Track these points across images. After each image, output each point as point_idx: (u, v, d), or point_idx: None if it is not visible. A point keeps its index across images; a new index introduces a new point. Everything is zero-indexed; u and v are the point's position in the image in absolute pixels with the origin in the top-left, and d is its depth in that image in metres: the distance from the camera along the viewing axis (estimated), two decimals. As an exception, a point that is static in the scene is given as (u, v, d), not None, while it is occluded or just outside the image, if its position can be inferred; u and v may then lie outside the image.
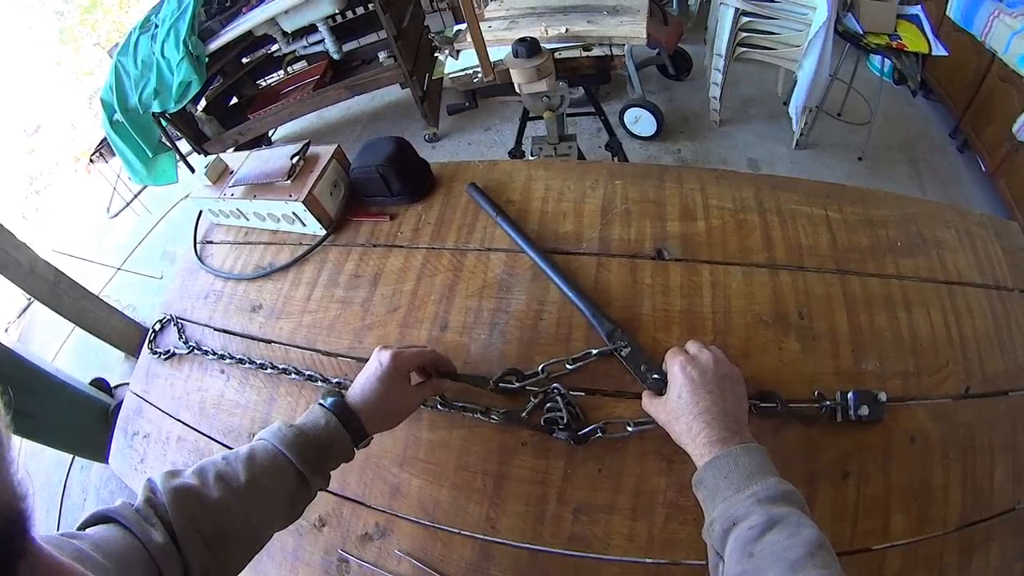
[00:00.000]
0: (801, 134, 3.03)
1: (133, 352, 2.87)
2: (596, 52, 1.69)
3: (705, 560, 0.65)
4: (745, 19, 2.72)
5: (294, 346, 1.04)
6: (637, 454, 0.80)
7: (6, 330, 3.91)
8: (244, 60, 3.55)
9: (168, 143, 3.16)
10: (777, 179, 1.09)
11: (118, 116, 2.97)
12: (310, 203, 1.13)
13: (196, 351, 1.15)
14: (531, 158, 1.76)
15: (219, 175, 1.33)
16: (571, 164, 1.33)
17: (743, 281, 0.93)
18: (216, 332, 1.18)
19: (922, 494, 0.77)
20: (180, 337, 1.21)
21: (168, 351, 1.20)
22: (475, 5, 1.81)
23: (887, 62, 2.62)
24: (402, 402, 0.78)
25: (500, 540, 0.78)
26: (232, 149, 3.40)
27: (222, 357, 1.10)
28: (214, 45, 2.82)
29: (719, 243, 0.98)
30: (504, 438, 0.84)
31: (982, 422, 0.82)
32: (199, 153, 3.38)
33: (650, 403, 0.75)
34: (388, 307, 1.01)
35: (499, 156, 3.12)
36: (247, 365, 1.05)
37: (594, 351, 0.85)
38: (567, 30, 1.65)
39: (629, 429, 0.79)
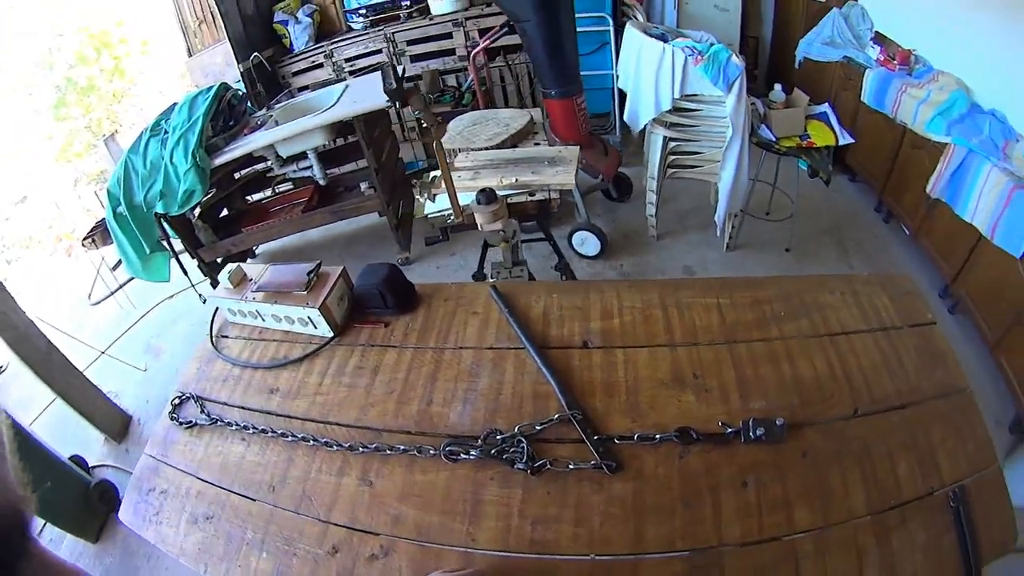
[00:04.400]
0: (730, 237, 3.34)
1: (116, 437, 3.00)
2: (538, 196, 2.13)
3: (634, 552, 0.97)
4: (672, 143, 3.09)
5: (309, 420, 1.34)
6: (575, 480, 1.10)
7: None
8: (236, 176, 3.87)
9: (165, 243, 3.40)
10: (678, 281, 1.48)
11: (122, 209, 3.19)
12: (324, 310, 1.47)
13: (219, 423, 1.40)
14: (491, 280, 2.15)
15: (240, 280, 1.65)
16: (519, 284, 1.72)
17: (649, 357, 1.27)
18: (235, 409, 1.44)
19: (821, 493, 1.01)
20: (202, 411, 1.45)
21: (190, 421, 1.44)
22: (447, 158, 2.25)
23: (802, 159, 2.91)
24: None
25: (479, 550, 1.05)
26: (222, 258, 3.67)
27: (245, 428, 1.36)
28: (219, 161, 3.15)
29: (630, 332, 1.35)
30: (477, 476, 1.14)
31: (875, 433, 1.08)
32: (192, 257, 3.60)
33: None
34: (386, 390, 1.34)
35: (464, 277, 3.38)
36: (268, 434, 1.32)
37: (556, 416, 1.18)
38: (516, 180, 2.10)
39: (570, 467, 1.10)
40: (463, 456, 1.16)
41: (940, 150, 2.68)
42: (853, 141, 2.97)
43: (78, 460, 2.79)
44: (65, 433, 3.09)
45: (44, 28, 6.36)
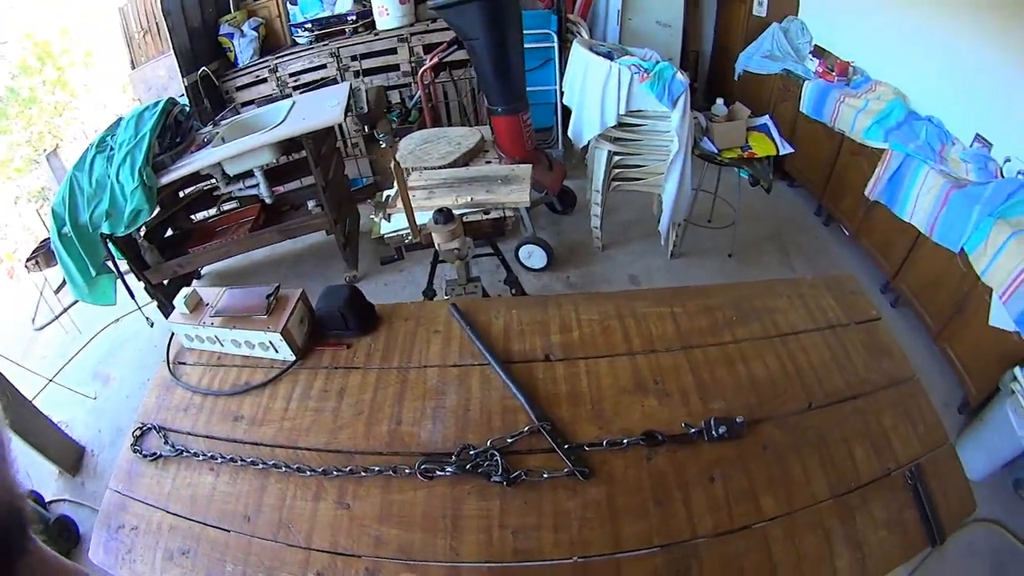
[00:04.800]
0: (674, 245, 3.44)
1: (70, 470, 2.90)
2: (493, 215, 2.18)
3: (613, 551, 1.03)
4: (617, 157, 3.17)
5: (278, 446, 1.34)
6: (550, 488, 1.15)
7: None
8: (181, 194, 3.77)
9: (112, 265, 3.29)
10: (632, 293, 1.56)
11: (67, 229, 3.07)
12: (286, 334, 1.48)
13: (185, 454, 1.39)
14: (445, 297, 2.18)
15: (196, 305, 1.62)
16: (478, 301, 1.76)
17: (609, 366, 1.34)
18: (200, 438, 1.42)
19: (784, 482, 1.09)
20: (166, 442, 1.43)
21: (154, 453, 1.41)
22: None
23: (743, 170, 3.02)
24: None
25: (464, 562, 1.08)
26: (167, 280, 3.59)
27: (212, 457, 1.35)
28: (166, 179, 3.07)
29: (590, 343, 1.42)
30: (455, 491, 1.17)
31: (830, 424, 1.17)
32: (138, 279, 3.50)
33: None
34: (354, 412, 1.36)
35: (412, 294, 3.45)
36: (237, 463, 1.32)
37: (526, 429, 1.23)
38: (471, 199, 2.13)
39: (545, 476, 1.15)
40: (439, 473, 1.20)
41: (878, 156, 2.83)
42: (793, 151, 3.08)
43: (34, 496, 2.70)
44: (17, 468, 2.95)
45: None
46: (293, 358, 1.53)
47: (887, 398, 1.24)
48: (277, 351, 1.53)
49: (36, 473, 2.90)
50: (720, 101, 3.26)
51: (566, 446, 1.20)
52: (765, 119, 3.20)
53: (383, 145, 1.72)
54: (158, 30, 4.49)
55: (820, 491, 1.09)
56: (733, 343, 1.36)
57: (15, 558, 0.36)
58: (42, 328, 4.14)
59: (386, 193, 1.99)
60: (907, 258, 2.83)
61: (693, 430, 1.18)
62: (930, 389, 1.30)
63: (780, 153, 3.03)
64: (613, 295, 1.56)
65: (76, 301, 3.72)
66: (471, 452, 1.21)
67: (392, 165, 1.74)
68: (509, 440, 1.22)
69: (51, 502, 2.76)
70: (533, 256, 3.56)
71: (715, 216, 3.69)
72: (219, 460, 1.35)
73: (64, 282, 3.47)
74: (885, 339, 1.36)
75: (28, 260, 3.53)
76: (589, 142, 3.27)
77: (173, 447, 1.41)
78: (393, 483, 1.22)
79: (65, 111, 6.73)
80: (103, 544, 1.33)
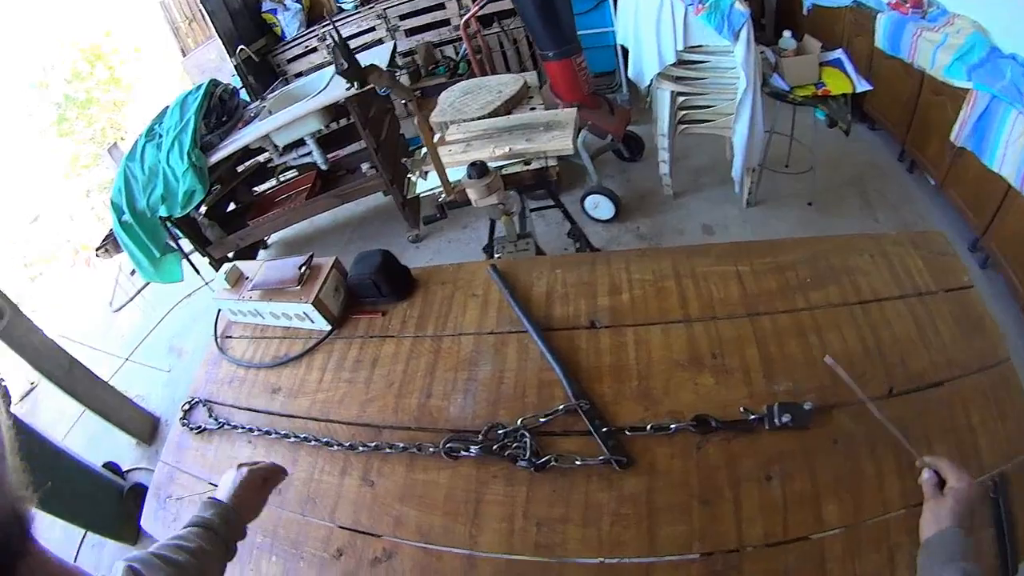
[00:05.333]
0: (749, 192, 3.18)
1: (146, 440, 3.05)
2: (535, 165, 2.02)
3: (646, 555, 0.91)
4: (681, 98, 2.95)
5: (311, 419, 1.31)
6: (583, 476, 1.03)
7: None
8: (239, 169, 3.84)
9: (174, 244, 3.41)
10: (692, 248, 1.37)
11: (127, 217, 3.19)
12: (318, 304, 1.44)
13: (226, 426, 1.40)
14: (497, 255, 2.08)
15: (236, 280, 1.62)
16: (520, 261, 1.64)
17: (662, 336, 1.19)
18: (242, 411, 1.43)
19: (853, 485, 0.91)
20: (210, 415, 1.45)
21: (200, 427, 1.44)
22: (436, 131, 2.16)
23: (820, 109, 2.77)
24: (255, 502, 1.00)
25: (481, 552, 1.01)
26: (232, 254, 3.67)
27: (250, 430, 1.35)
28: (215, 158, 3.11)
29: (641, 308, 1.26)
30: (480, 474, 1.09)
31: (912, 415, 0.96)
32: (202, 255, 3.62)
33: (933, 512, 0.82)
34: (385, 384, 1.30)
35: (475, 251, 3.33)
36: (272, 436, 1.31)
37: (561, 407, 1.11)
38: (510, 149, 1.99)
39: (577, 463, 1.03)
40: (464, 453, 1.11)
41: (962, 96, 2.50)
42: (870, 88, 2.80)
43: (112, 467, 2.85)
44: (97, 442, 3.16)
45: (34, 49, 6.42)
46: (328, 328, 1.49)
47: (976, 385, 1.02)
48: (313, 321, 1.49)
49: (115, 445, 3.07)
50: (788, 34, 2.96)
51: (604, 429, 1.06)
52: (838, 53, 2.89)
53: (401, 100, 1.58)
54: (202, 16, 4.55)
55: (892, 499, 0.90)
56: (806, 310, 1.15)
57: (15, 560, 0.35)
58: (119, 310, 4.39)
59: (423, 150, 1.89)
60: (997, 213, 2.49)
61: (753, 416, 1.00)
62: (1019, 369, 1.05)
63: (857, 90, 2.73)
64: (671, 251, 1.39)
65: (147, 283, 3.89)
66: (499, 432, 1.11)
67: (415, 119, 1.62)
68: (541, 420, 1.11)
69: (128, 471, 2.90)
70: (600, 207, 3.37)
71: (792, 161, 3.36)
72: (256, 433, 1.35)
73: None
74: (978, 312, 1.13)
75: (98, 249, 3.72)
76: (651, 83, 3.04)
77: (217, 420, 1.43)
78: (417, 461, 1.15)
79: (124, 106, 7.08)
80: (153, 513, 1.38)
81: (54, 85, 6.57)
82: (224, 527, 0.88)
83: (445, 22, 4.46)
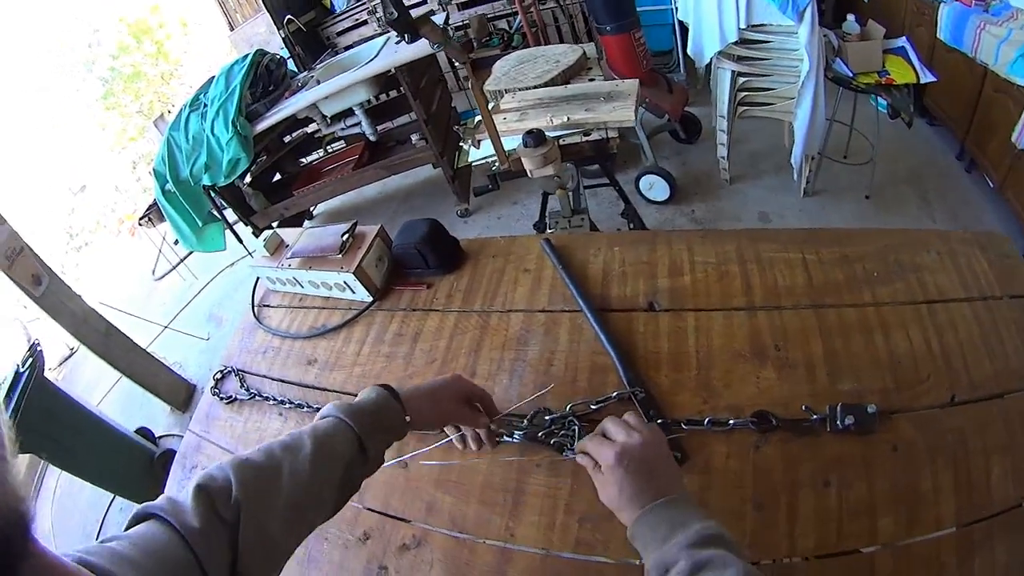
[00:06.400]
0: (807, 182, 3.09)
1: (180, 406, 3.08)
2: (594, 136, 1.90)
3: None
4: (742, 79, 2.86)
5: (346, 393, 1.23)
6: None
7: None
8: (286, 139, 3.83)
9: (217, 213, 3.42)
10: (757, 232, 1.27)
11: (170, 186, 3.22)
12: (359, 274, 1.35)
13: (257, 397, 1.33)
14: (550, 231, 1.98)
15: (276, 247, 1.55)
16: (576, 236, 1.54)
17: (724, 323, 1.09)
18: (274, 382, 1.36)
19: (910, 498, 0.85)
20: (242, 386, 1.39)
21: (231, 396, 1.38)
22: (490, 100, 2.07)
23: (882, 99, 2.69)
24: (445, 407, 0.90)
25: (517, 547, 0.93)
26: (276, 223, 3.66)
27: (281, 402, 1.28)
28: (261, 127, 3.09)
29: (703, 292, 1.16)
30: (521, 462, 1.00)
31: (973, 427, 0.90)
32: (245, 224, 3.62)
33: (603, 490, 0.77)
34: (427, 360, 1.21)
35: (525, 227, 3.28)
36: (305, 409, 1.23)
37: (614, 394, 1.02)
38: (568, 119, 1.89)
39: None
40: (506, 438, 1.02)
41: None
42: (935, 79, 2.65)
43: (145, 432, 2.87)
44: (132, 407, 3.21)
45: (80, 25, 6.51)
46: (370, 299, 1.41)
47: None
48: (354, 292, 1.41)
49: (149, 412, 3.11)
50: (852, 18, 2.85)
51: (660, 420, 0.97)
52: (902, 41, 2.76)
53: (453, 61, 1.49)
54: (251, -11, 4.54)
55: (946, 516, 0.82)
56: (873, 305, 1.07)
57: (16, 562, 0.35)
58: (161, 278, 4.46)
59: (477, 118, 1.79)
60: None
61: (816, 416, 0.92)
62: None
63: (921, 81, 2.61)
64: (736, 233, 1.28)
65: (190, 252, 3.92)
66: (546, 417, 1.02)
67: (470, 84, 1.52)
68: (592, 407, 1.02)
69: (160, 437, 2.92)
70: (655, 187, 3.30)
71: (850, 151, 3.26)
72: (288, 405, 1.28)
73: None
74: None
75: (141, 218, 3.80)
76: (711, 63, 2.96)
77: (248, 390, 1.37)
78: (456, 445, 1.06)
79: (171, 79, 7.17)
80: (178, 483, 1.32)
81: (101, 60, 6.68)
82: (370, 419, 0.80)
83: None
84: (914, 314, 1.04)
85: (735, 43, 2.72)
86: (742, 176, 3.42)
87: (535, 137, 1.58)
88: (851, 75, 2.66)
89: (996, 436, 0.89)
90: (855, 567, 0.81)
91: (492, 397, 0.98)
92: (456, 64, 4.27)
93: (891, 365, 0.97)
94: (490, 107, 1.76)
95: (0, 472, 0.35)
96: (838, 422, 0.90)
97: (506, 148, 1.73)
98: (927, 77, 2.61)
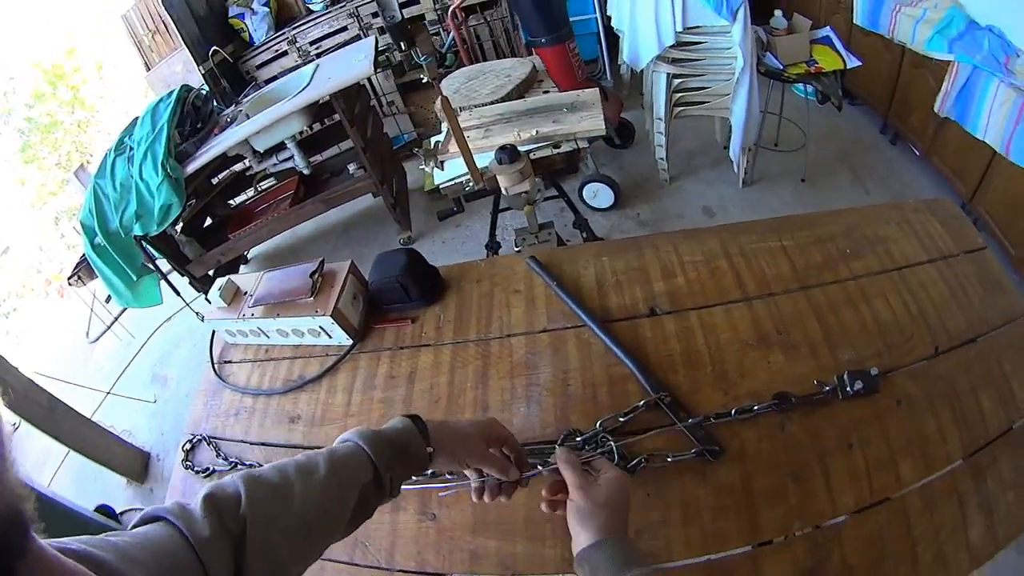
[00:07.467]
0: (745, 172, 3.24)
1: (137, 477, 2.86)
2: (564, 148, 1.87)
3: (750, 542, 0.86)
4: (677, 81, 2.95)
5: None
6: (676, 473, 0.94)
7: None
8: (214, 181, 3.64)
9: (151, 265, 3.19)
10: (735, 226, 1.31)
11: (99, 239, 2.98)
12: (337, 316, 1.24)
13: (239, 467, 1.20)
14: (516, 249, 1.92)
15: (232, 296, 1.41)
16: (559, 251, 1.49)
17: (725, 317, 1.13)
18: (255, 447, 1.24)
19: (920, 442, 0.93)
20: (218, 455, 1.25)
21: (207, 469, 1.24)
22: (440, 120, 2.00)
23: (810, 86, 2.87)
24: (473, 446, 0.83)
25: None
26: (213, 270, 3.46)
27: None
28: (192, 168, 2.90)
29: (699, 291, 1.18)
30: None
31: (958, 370, 1.01)
32: (181, 275, 3.40)
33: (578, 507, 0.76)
34: (429, 399, 1.13)
35: (473, 249, 3.27)
36: None
37: (641, 403, 1.00)
38: (537, 132, 1.86)
39: (668, 460, 0.94)
40: (539, 469, 0.94)
41: (943, 68, 2.63)
42: (860, 63, 2.86)
43: (106, 510, 2.66)
44: (86, 483, 2.97)
45: None
46: (350, 342, 1.30)
47: (1005, 338, 1.07)
48: (330, 336, 1.30)
49: (105, 486, 2.88)
50: (779, 13, 3.03)
51: (689, 420, 0.98)
52: (827, 30, 2.97)
53: (426, 72, 1.43)
54: (166, 27, 4.34)
55: (954, 451, 0.94)
56: (852, 279, 1.16)
57: (15, 560, 0.34)
58: (96, 340, 4.16)
59: (434, 139, 1.71)
60: (983, 179, 2.62)
61: (827, 387, 0.99)
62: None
63: (848, 66, 2.82)
64: (715, 230, 1.32)
65: (124, 309, 3.66)
66: (578, 438, 0.97)
67: (438, 100, 1.44)
68: (621, 420, 1.00)
69: (122, 513, 2.70)
70: (599, 195, 3.34)
71: (781, 139, 3.47)
72: None
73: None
74: (995, 270, 1.19)
75: (70, 277, 3.52)
76: (643, 69, 3.04)
77: (226, 459, 1.24)
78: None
79: (88, 127, 6.80)
80: None
81: (16, 110, 6.29)
82: (390, 449, 0.76)
83: (419, 17, 4.30)
84: (888, 282, 1.15)
85: (671, 47, 2.81)
86: (680, 174, 3.54)
87: (509, 153, 1.52)
88: (781, 67, 2.83)
89: (979, 374, 1.01)
90: (891, 512, 0.88)
91: (523, 450, 0.92)
92: (380, 92, 4.22)
93: (879, 330, 1.07)
94: (443, 127, 1.68)
95: (0, 471, 0.34)
96: (848, 389, 0.98)
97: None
98: (853, 62, 2.81)
